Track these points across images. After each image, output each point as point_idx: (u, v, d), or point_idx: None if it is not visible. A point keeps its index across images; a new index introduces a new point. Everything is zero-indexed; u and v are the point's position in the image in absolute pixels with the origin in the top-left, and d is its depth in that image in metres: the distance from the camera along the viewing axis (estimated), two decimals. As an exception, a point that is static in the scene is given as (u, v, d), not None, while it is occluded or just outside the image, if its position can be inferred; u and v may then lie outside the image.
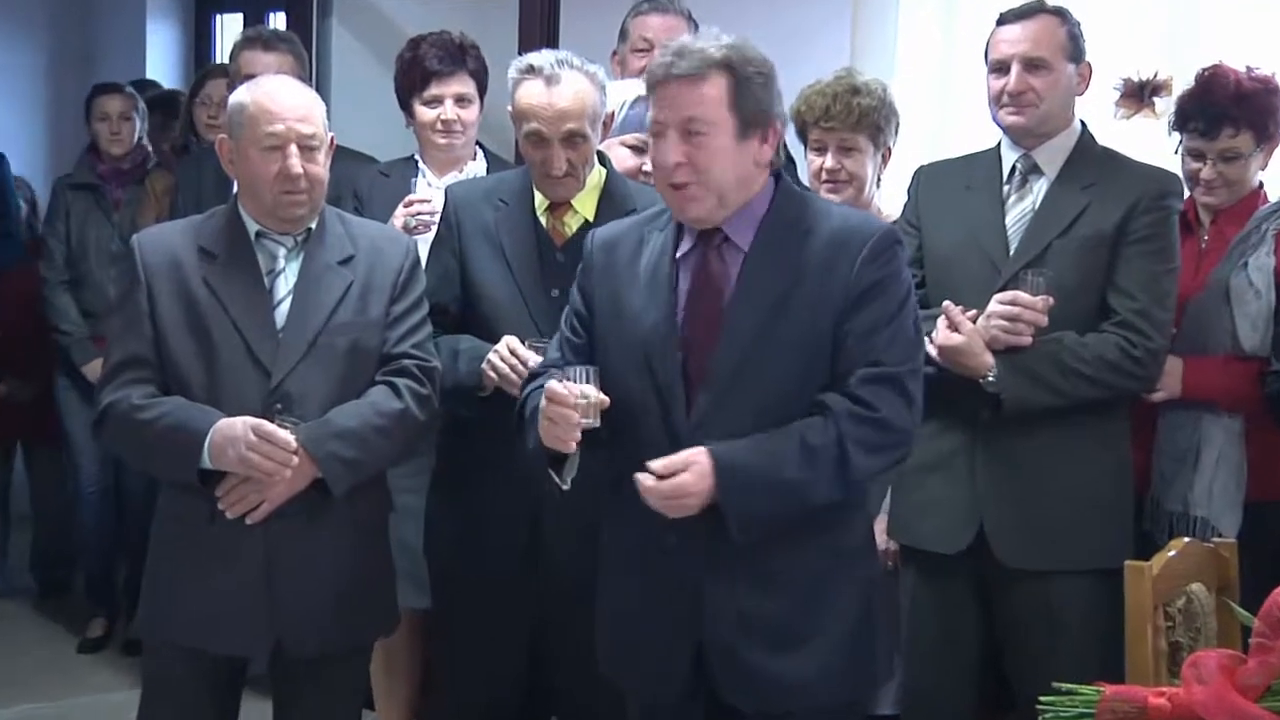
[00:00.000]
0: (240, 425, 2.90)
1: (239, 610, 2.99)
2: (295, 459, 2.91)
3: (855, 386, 2.61)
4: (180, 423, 2.94)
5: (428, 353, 3.14)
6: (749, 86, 2.63)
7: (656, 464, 2.58)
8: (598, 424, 2.65)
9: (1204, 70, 3.54)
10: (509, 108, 3.28)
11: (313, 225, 3.10)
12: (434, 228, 3.59)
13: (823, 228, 2.68)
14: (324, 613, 3.03)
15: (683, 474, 2.57)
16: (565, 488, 2.74)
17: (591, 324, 2.83)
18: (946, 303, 3.20)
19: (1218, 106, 3.46)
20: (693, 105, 2.62)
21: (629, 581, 2.79)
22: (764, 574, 2.67)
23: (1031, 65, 3.26)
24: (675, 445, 2.63)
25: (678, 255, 2.74)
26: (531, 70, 3.23)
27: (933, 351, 3.16)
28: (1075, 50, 3.30)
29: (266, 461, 2.89)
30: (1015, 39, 3.28)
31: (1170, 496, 3.40)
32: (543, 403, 2.66)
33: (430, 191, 3.88)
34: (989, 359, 3.15)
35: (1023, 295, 3.14)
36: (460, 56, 3.97)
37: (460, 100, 3.96)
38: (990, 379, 3.16)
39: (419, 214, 3.78)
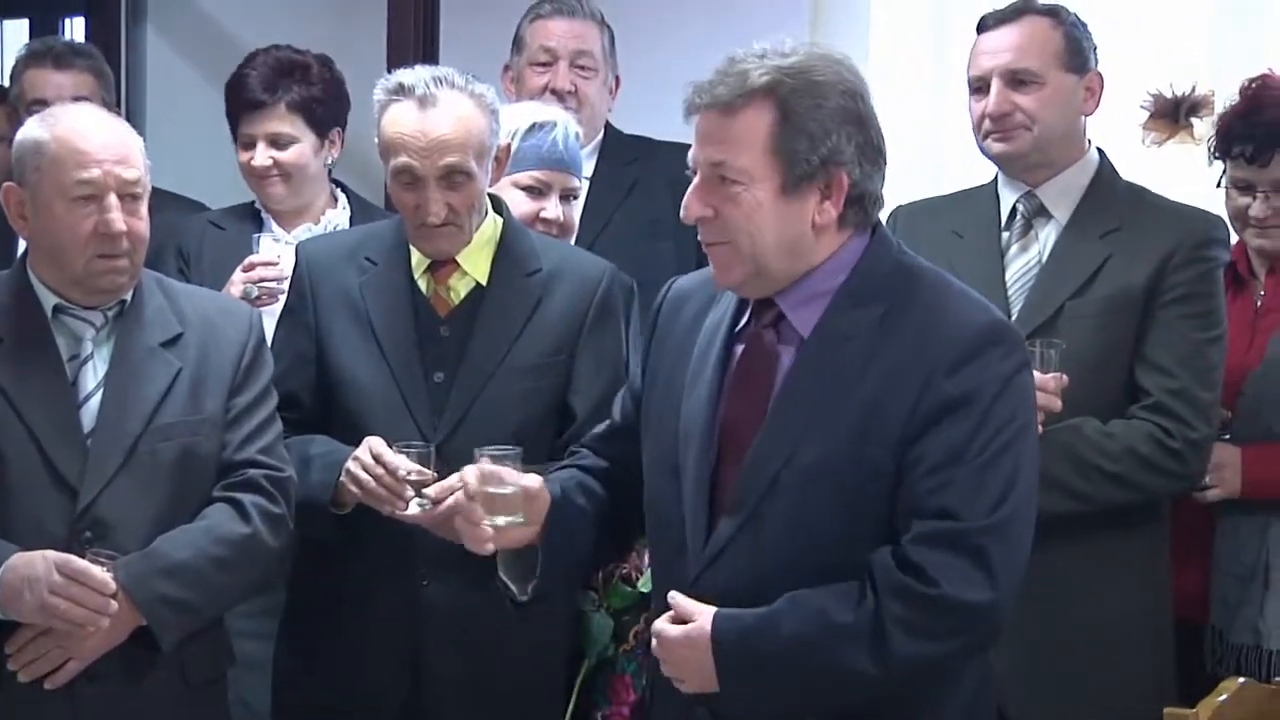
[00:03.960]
0: (40, 562, 2.89)
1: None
2: (113, 604, 2.91)
3: (909, 546, 2.45)
4: (-43, 560, 2.92)
5: (279, 459, 3.16)
6: (802, 124, 2.50)
7: (662, 624, 2.56)
8: (520, 520, 2.70)
9: (1250, 82, 3.62)
10: (375, 140, 3.33)
11: (127, 296, 3.11)
12: (282, 296, 3.63)
13: (912, 313, 2.54)
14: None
15: (673, 631, 2.53)
16: (522, 598, 2.76)
17: (643, 401, 2.80)
18: None
19: (1269, 126, 3.52)
20: (722, 146, 2.53)
21: None
22: None
23: (1016, 80, 3.35)
24: (680, 576, 2.59)
25: (737, 328, 2.66)
26: (401, 90, 3.26)
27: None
28: (1076, 58, 3.38)
29: (76, 608, 2.88)
30: (995, 48, 3.37)
31: (1236, 626, 3.46)
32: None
33: (277, 249, 3.89)
34: None
35: None
36: (282, 82, 3.99)
37: (275, 141, 3.99)
38: None
39: (263, 280, 3.81)
